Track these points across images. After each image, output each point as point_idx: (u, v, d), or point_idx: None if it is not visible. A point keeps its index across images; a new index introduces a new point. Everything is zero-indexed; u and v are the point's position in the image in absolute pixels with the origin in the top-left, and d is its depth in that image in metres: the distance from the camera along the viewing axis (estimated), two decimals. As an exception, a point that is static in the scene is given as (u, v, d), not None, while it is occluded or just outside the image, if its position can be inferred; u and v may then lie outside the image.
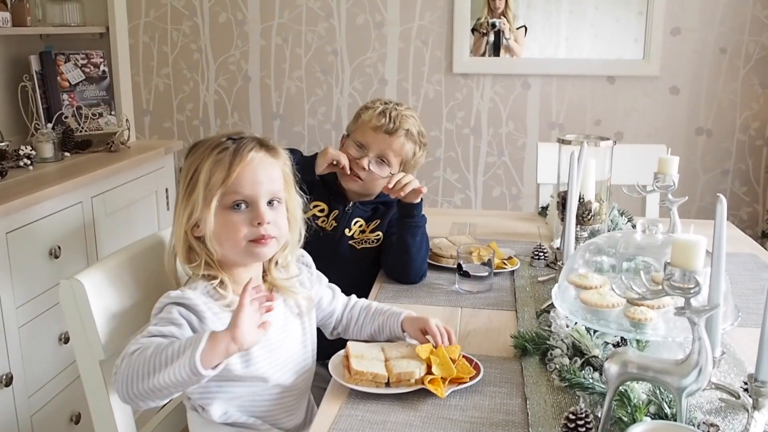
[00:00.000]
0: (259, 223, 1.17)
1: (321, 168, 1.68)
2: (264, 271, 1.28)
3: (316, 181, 1.70)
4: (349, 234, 1.73)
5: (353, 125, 1.80)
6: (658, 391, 1.04)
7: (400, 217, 1.68)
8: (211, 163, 1.17)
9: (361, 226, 1.74)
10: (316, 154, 1.71)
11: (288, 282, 1.29)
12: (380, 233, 1.75)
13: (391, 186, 1.62)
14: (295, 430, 1.31)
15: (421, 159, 1.81)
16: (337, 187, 1.76)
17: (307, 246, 1.35)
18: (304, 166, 1.60)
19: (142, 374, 1.01)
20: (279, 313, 1.26)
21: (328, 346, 1.39)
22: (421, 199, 1.67)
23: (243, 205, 1.18)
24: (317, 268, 1.41)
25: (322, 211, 1.72)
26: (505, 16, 3.05)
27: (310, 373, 1.32)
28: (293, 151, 1.57)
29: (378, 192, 1.75)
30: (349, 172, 1.69)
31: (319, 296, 1.38)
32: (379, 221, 1.75)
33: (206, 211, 1.16)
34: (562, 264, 1.52)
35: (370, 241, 1.74)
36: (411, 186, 1.63)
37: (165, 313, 1.13)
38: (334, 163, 1.68)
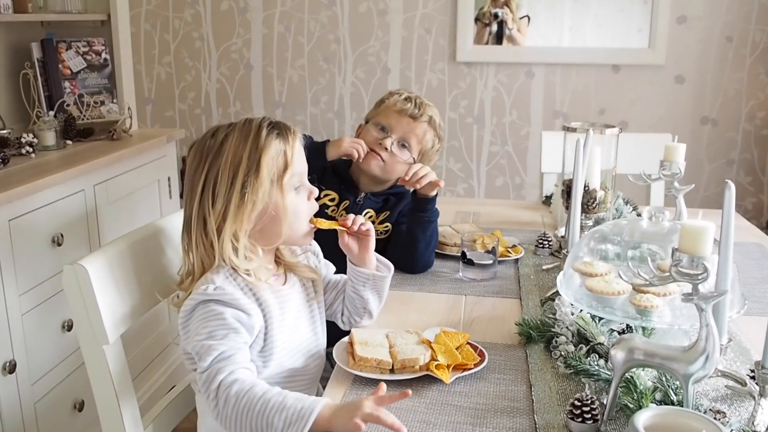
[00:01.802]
0: (315, 199, 1.24)
1: (331, 157, 1.67)
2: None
3: (326, 168, 1.68)
4: None
5: (374, 111, 1.78)
6: (664, 378, 1.03)
7: (412, 210, 1.66)
8: (274, 151, 1.17)
9: (371, 217, 1.73)
10: (327, 141, 1.70)
11: (296, 259, 1.30)
12: (389, 224, 1.74)
13: (408, 177, 1.60)
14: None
15: (436, 155, 1.81)
16: (348, 176, 1.74)
17: (316, 235, 1.34)
18: (314, 151, 1.58)
19: (249, 428, 0.99)
20: (296, 297, 1.26)
21: (334, 336, 1.38)
22: (436, 193, 1.65)
23: (299, 187, 1.22)
24: (325, 257, 1.40)
25: (332, 200, 1.70)
26: (508, 6, 3.03)
27: (321, 359, 1.31)
28: (304, 137, 1.57)
29: (394, 179, 1.74)
30: (361, 161, 1.69)
31: (326, 281, 1.38)
32: (389, 212, 1.74)
33: (278, 197, 1.17)
34: (567, 252, 1.51)
35: (378, 233, 1.73)
36: (428, 178, 1.60)
37: (216, 319, 1.09)
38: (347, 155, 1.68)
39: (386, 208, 1.74)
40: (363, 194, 1.72)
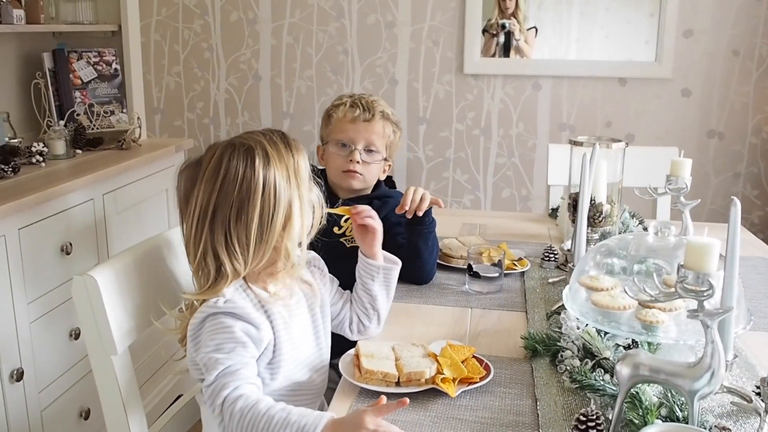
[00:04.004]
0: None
1: None
2: None
3: None
4: (340, 232, 1.72)
5: (327, 129, 1.79)
6: (669, 394, 1.03)
7: (410, 223, 1.65)
8: (305, 158, 1.25)
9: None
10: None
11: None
12: None
13: (407, 207, 1.60)
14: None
15: (399, 141, 1.85)
16: (328, 186, 1.76)
17: (322, 251, 1.35)
18: None
19: None
20: (302, 311, 1.27)
21: (339, 348, 1.39)
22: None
23: None
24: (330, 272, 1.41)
25: None
26: (515, 17, 3.04)
27: (325, 373, 1.32)
28: None
29: (374, 182, 1.77)
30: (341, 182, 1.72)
31: (332, 294, 1.38)
32: None
33: (311, 194, 1.24)
34: (573, 266, 1.51)
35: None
36: (426, 200, 1.61)
37: (225, 332, 1.10)
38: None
39: None
40: (340, 200, 1.74)
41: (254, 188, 1.14)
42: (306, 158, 1.25)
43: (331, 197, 1.75)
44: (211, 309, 1.12)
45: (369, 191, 1.78)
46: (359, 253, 1.40)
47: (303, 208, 1.20)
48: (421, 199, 1.60)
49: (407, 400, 1.00)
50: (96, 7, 2.63)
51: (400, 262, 1.42)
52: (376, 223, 1.37)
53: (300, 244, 1.21)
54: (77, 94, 2.59)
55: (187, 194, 1.18)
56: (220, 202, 1.15)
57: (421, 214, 1.61)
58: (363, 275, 1.38)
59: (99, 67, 2.64)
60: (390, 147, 1.78)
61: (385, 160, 1.79)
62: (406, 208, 1.60)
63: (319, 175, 1.72)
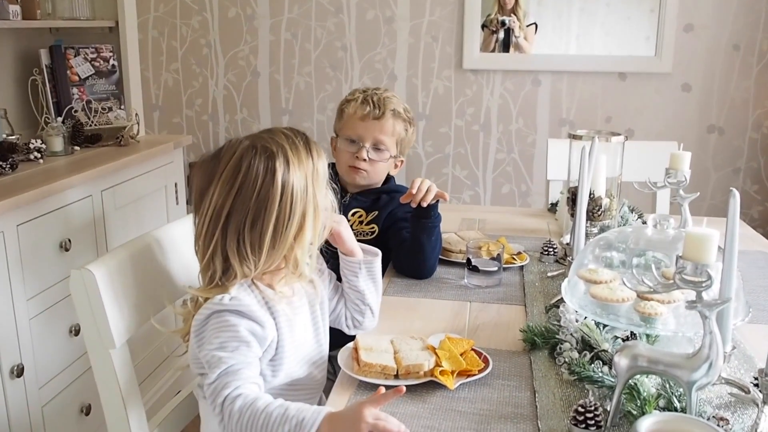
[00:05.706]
0: None
1: None
2: None
3: None
4: None
5: (339, 123, 1.80)
6: (667, 385, 1.03)
7: (415, 216, 1.65)
8: (324, 163, 1.22)
9: (360, 216, 1.74)
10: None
11: None
12: (375, 226, 1.74)
13: (413, 196, 1.60)
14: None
15: (413, 137, 1.83)
16: (336, 180, 1.77)
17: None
18: None
19: None
20: (305, 308, 1.27)
21: (338, 340, 1.39)
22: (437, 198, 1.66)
23: None
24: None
25: None
26: (515, 14, 3.04)
27: (325, 368, 1.31)
28: None
29: (382, 179, 1.77)
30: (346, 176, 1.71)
31: (328, 290, 1.38)
32: (377, 212, 1.75)
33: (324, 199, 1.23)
34: (572, 259, 1.51)
35: (364, 233, 1.74)
36: (432, 191, 1.61)
37: (229, 330, 1.09)
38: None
39: (376, 207, 1.75)
40: (348, 195, 1.74)
41: (272, 196, 1.12)
42: (325, 162, 1.22)
43: (341, 190, 1.75)
44: (217, 306, 1.11)
45: (379, 185, 1.78)
46: (339, 253, 1.36)
47: (316, 218, 1.18)
48: (428, 191, 1.60)
49: (403, 388, 0.99)
50: (93, 2, 2.62)
51: (379, 252, 1.38)
52: (337, 226, 1.33)
53: (310, 252, 1.20)
54: (75, 90, 2.58)
55: (203, 191, 1.16)
56: (236, 207, 1.13)
57: (425, 205, 1.60)
58: (347, 273, 1.35)
59: (96, 64, 2.64)
60: (401, 144, 1.78)
61: (397, 156, 1.79)
62: (413, 192, 1.60)
63: (335, 180, 1.72)
